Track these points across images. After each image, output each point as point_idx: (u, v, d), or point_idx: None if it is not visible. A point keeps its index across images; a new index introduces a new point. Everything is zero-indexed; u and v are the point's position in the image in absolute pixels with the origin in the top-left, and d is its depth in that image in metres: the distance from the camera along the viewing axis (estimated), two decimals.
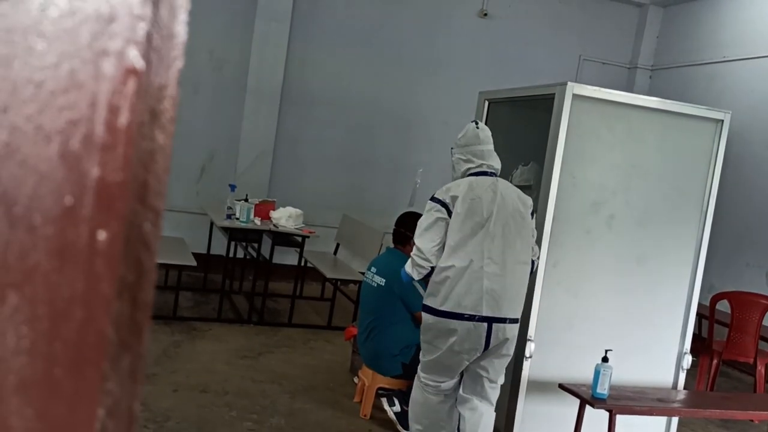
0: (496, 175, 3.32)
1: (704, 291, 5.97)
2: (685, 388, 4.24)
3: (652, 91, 8.04)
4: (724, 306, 5.21)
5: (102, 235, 0.26)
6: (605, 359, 3.50)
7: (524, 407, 3.89)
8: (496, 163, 3.34)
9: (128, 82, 0.27)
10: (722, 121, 4.05)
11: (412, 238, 4.14)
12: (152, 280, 0.30)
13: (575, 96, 3.78)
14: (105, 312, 0.27)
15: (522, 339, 3.87)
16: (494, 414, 3.40)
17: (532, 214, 3.32)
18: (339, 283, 6.26)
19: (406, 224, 4.24)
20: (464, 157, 3.36)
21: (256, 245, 6.37)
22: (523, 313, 3.87)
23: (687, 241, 4.11)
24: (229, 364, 4.72)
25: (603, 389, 3.44)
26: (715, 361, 5.10)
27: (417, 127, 7.76)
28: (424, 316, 3.27)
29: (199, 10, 7.02)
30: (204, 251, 6.65)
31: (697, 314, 4.75)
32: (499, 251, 3.16)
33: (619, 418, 3.47)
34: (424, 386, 3.36)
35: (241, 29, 7.14)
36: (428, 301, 3.23)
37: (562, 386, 3.62)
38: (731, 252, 6.63)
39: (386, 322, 4.08)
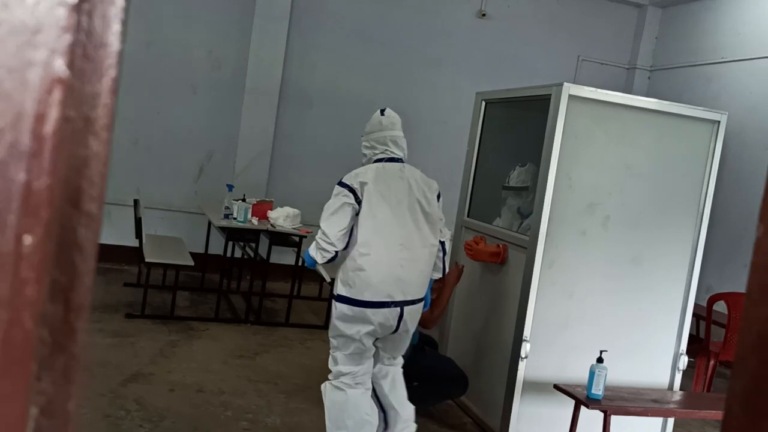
0: (402, 161, 3.37)
1: (702, 292, 5.98)
2: (681, 389, 4.24)
3: (651, 92, 8.05)
4: (721, 307, 5.21)
5: (28, 239, 0.27)
6: (600, 360, 3.51)
7: (519, 408, 3.89)
8: (398, 150, 3.38)
9: (54, 92, 0.27)
10: (718, 122, 4.05)
11: None
12: (87, 282, 0.31)
13: (571, 97, 3.79)
14: (30, 314, 0.27)
15: (517, 339, 3.89)
16: (401, 374, 3.51)
17: (438, 197, 3.40)
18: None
19: None
20: (368, 144, 3.40)
21: (253, 245, 6.38)
22: (518, 313, 3.89)
23: (683, 242, 4.11)
24: (226, 363, 4.73)
25: (598, 390, 3.45)
26: (712, 362, 5.10)
27: (415, 127, 7.74)
28: (340, 306, 3.24)
29: (197, 9, 7.03)
30: (202, 251, 6.66)
31: (695, 315, 4.75)
32: (410, 236, 3.23)
33: (616, 419, 3.48)
34: (341, 383, 3.36)
35: (240, 29, 7.15)
36: (344, 291, 3.21)
37: (557, 387, 3.63)
38: (729, 253, 6.64)
39: None
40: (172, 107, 7.08)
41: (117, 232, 6.97)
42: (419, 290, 3.29)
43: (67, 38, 0.27)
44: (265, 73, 7.17)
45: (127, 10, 0.30)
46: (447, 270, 3.56)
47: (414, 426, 3.48)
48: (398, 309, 3.22)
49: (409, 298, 3.24)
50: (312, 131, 7.50)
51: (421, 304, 3.36)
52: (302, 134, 7.45)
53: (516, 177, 4.58)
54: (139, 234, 5.58)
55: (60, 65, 0.27)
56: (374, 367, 3.43)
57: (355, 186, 3.20)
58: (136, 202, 5.98)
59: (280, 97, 7.27)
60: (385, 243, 3.18)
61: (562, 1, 8.09)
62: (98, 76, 0.30)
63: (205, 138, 7.21)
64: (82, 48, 0.29)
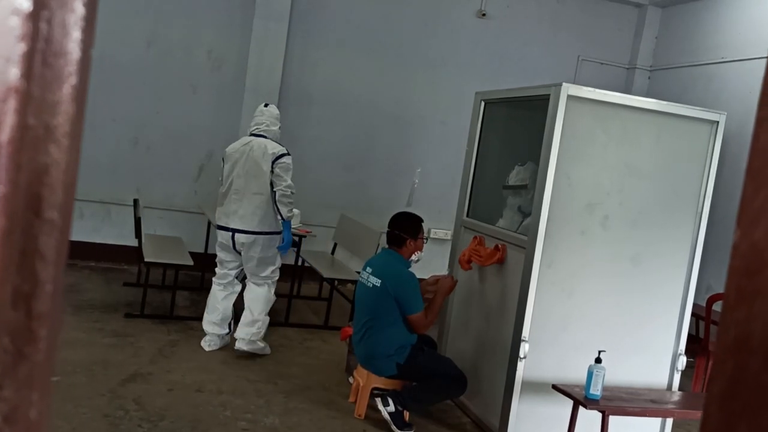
0: (264, 137, 4.78)
1: (702, 292, 5.97)
2: (680, 390, 4.24)
3: (651, 92, 8.03)
4: (721, 307, 5.20)
5: None
6: (598, 360, 3.51)
7: (518, 407, 3.89)
8: (267, 130, 4.82)
9: (9, 100, 0.27)
10: (717, 122, 4.04)
11: (407, 239, 4.16)
12: (50, 290, 0.31)
13: (570, 97, 3.78)
14: None
15: (516, 339, 3.89)
16: (262, 291, 4.90)
17: (277, 159, 4.68)
18: (336, 282, 6.27)
19: (401, 225, 4.23)
20: (251, 123, 4.92)
21: None
22: (517, 313, 3.89)
23: (682, 241, 4.11)
24: (225, 363, 4.73)
25: (596, 390, 3.45)
26: (711, 362, 5.10)
27: (415, 127, 7.76)
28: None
29: (197, 9, 7.03)
30: (201, 251, 6.67)
31: (694, 315, 4.74)
32: (242, 187, 4.73)
33: (614, 420, 3.48)
34: (214, 280, 5.04)
35: (240, 29, 7.14)
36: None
37: (555, 387, 3.63)
38: (728, 253, 6.62)
39: (382, 322, 4.08)
40: (172, 107, 7.09)
41: (116, 232, 6.98)
42: (245, 223, 4.72)
43: (22, 47, 0.27)
44: (265, 73, 7.17)
45: (88, 18, 0.30)
46: (287, 215, 4.76)
47: (247, 331, 4.82)
48: (230, 233, 4.77)
49: (237, 227, 4.74)
50: (312, 131, 7.50)
51: (256, 236, 4.74)
52: (302, 134, 7.45)
53: (515, 176, 4.58)
54: (138, 234, 5.58)
55: (15, 74, 0.27)
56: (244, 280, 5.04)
57: (225, 154, 4.92)
58: (135, 201, 5.98)
59: (280, 97, 7.26)
60: (229, 189, 4.77)
61: (562, 1, 8.08)
62: (59, 83, 0.30)
63: (205, 138, 7.21)
64: (42, 56, 0.29)
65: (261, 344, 4.89)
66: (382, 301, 4.06)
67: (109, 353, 4.57)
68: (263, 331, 4.88)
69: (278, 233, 4.83)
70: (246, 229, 4.73)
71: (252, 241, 4.74)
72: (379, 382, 4.12)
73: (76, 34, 0.30)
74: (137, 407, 3.84)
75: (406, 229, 4.20)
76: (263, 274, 4.86)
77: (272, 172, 4.68)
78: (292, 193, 4.74)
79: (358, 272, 6.19)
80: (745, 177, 0.43)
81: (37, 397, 0.30)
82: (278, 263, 4.96)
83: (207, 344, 4.93)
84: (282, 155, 4.70)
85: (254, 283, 4.89)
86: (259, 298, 4.87)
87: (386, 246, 4.33)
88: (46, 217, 0.30)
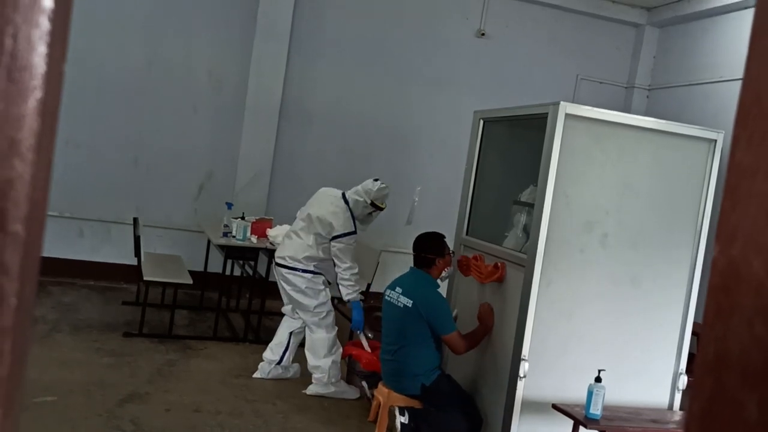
0: (344, 196, 4.98)
1: (702, 310, 5.94)
2: (681, 410, 4.20)
3: (650, 111, 8.06)
4: None
5: None
6: (598, 379, 3.48)
7: (518, 427, 3.86)
8: (351, 191, 4.98)
9: None
10: (715, 140, 4.05)
11: (436, 259, 4.16)
12: (13, 305, 0.30)
13: (568, 116, 3.79)
14: None
15: (516, 358, 3.86)
16: (315, 334, 4.84)
17: (333, 239, 4.91)
18: (336, 302, 6.24)
19: (426, 247, 4.23)
20: None
21: (252, 263, 6.36)
22: (517, 332, 3.87)
23: (682, 261, 4.10)
24: (224, 383, 4.70)
25: (596, 410, 3.42)
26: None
27: (415, 146, 7.78)
28: None
29: (198, 29, 7.09)
30: (201, 269, 6.65)
31: (695, 334, 4.72)
32: None
33: None
34: None
35: (240, 48, 7.19)
36: None
37: (555, 406, 3.60)
38: None
39: (414, 341, 4.03)
40: (172, 126, 7.12)
41: (116, 251, 6.98)
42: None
43: None
44: (265, 92, 7.21)
45: (55, 33, 0.30)
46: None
47: (314, 376, 4.77)
48: None
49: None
50: (312, 149, 7.53)
51: (287, 270, 4.91)
52: (302, 152, 7.47)
53: (528, 194, 4.57)
54: (138, 252, 5.57)
55: None
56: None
57: None
58: (135, 220, 5.98)
59: (281, 115, 7.29)
60: None
61: (561, 21, 8.13)
62: (23, 98, 0.30)
63: (206, 157, 7.23)
64: (6, 70, 0.29)
65: (333, 388, 4.76)
66: (413, 321, 4.02)
67: (106, 373, 4.55)
68: (331, 374, 4.75)
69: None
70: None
71: (286, 278, 4.96)
72: (400, 400, 4.06)
73: (41, 49, 0.30)
74: (134, 428, 3.81)
75: (432, 250, 4.20)
76: (304, 314, 4.95)
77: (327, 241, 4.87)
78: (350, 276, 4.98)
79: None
80: (723, 194, 0.44)
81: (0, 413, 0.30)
82: (320, 299, 4.90)
83: (258, 371, 4.92)
84: (339, 235, 4.86)
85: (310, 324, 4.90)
86: (313, 341, 4.85)
87: (413, 266, 4.30)
88: (11, 231, 0.29)
